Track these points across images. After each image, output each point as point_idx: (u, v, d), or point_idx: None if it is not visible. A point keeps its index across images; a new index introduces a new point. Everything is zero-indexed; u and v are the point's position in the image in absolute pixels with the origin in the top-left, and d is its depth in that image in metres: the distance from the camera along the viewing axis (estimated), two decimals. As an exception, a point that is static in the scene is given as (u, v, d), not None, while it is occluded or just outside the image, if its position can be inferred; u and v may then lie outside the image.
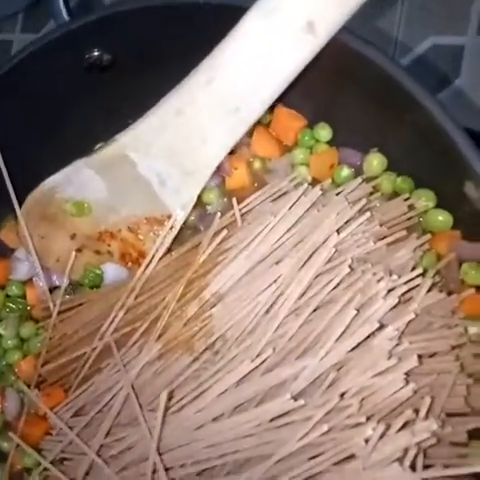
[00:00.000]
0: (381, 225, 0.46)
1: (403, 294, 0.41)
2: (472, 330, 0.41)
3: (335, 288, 0.42)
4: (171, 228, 0.51)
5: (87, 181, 0.51)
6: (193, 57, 0.46)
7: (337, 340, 0.39)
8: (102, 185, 0.51)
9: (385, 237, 0.45)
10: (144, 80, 0.51)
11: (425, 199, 0.47)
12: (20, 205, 0.53)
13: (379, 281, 0.40)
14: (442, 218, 0.46)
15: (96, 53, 0.50)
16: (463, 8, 0.63)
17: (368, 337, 0.39)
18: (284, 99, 0.48)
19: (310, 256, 0.44)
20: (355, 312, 0.39)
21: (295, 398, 0.39)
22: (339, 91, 0.49)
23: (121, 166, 0.50)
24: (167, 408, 0.44)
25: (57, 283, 0.55)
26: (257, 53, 0.43)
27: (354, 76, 0.46)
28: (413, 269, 0.42)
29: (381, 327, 0.39)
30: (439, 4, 0.64)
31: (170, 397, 0.44)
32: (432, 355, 0.40)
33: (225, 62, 0.44)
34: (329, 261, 0.44)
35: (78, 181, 0.52)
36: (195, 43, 0.45)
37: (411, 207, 0.47)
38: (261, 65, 0.44)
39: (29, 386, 0.51)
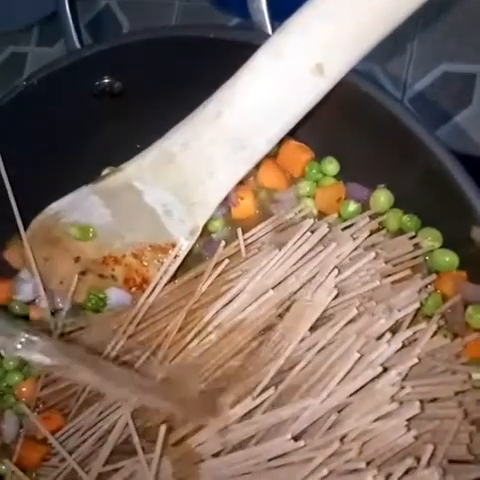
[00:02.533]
0: (386, 263, 0.46)
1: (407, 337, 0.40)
2: (476, 376, 0.40)
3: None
4: (175, 257, 0.51)
5: (92, 207, 0.51)
6: (202, 88, 0.45)
7: (339, 383, 0.39)
8: (107, 211, 0.51)
9: (390, 275, 0.45)
10: (154, 108, 0.51)
11: (431, 239, 0.46)
12: (25, 227, 0.53)
13: (383, 323, 0.40)
14: (448, 259, 0.45)
15: (106, 80, 0.50)
16: (476, 36, 0.63)
17: (371, 380, 0.39)
18: (292, 132, 0.48)
19: (314, 291, 0.44)
20: (358, 355, 0.38)
21: (295, 439, 0.39)
22: (347, 127, 0.49)
23: (126, 194, 0.50)
24: (166, 440, 0.43)
25: (60, 305, 0.55)
26: (265, 92, 0.43)
27: (360, 113, 0.46)
28: (418, 311, 0.42)
29: (384, 370, 0.39)
30: (451, 32, 0.64)
31: (170, 429, 0.44)
32: (434, 400, 0.40)
33: (233, 99, 0.44)
34: (335, 298, 0.44)
35: (83, 206, 0.52)
36: (205, 75, 0.45)
37: (417, 246, 0.47)
38: (269, 104, 0.44)
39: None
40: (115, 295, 0.54)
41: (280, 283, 0.45)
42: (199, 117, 0.46)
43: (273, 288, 0.45)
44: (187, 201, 0.49)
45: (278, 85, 0.43)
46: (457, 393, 0.40)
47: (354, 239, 0.46)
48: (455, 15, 0.64)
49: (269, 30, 0.44)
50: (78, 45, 0.48)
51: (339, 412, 0.39)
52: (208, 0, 0.70)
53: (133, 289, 0.54)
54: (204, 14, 0.71)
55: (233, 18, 0.69)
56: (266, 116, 0.44)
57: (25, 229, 0.53)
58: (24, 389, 0.53)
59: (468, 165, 0.42)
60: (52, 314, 0.54)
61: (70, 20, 0.47)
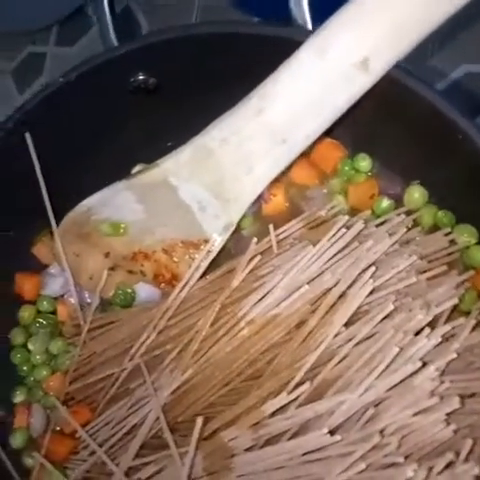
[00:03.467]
0: (421, 259, 0.45)
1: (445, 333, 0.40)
2: (514, 372, 0.40)
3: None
4: (208, 252, 0.51)
5: (125, 203, 0.52)
6: (237, 85, 0.46)
7: (378, 377, 0.38)
8: (140, 207, 0.52)
9: (425, 271, 0.45)
10: (188, 105, 0.51)
11: (467, 235, 0.46)
12: (56, 223, 0.53)
13: (421, 319, 0.40)
14: (484, 255, 0.46)
15: (141, 77, 0.50)
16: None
17: (409, 375, 0.38)
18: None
19: (350, 287, 0.44)
20: (397, 349, 0.38)
21: (332, 433, 0.39)
22: (380, 122, 0.49)
23: (161, 190, 0.50)
24: (200, 434, 0.43)
25: (89, 301, 0.55)
26: (307, 88, 0.43)
27: (396, 107, 0.46)
28: (454, 308, 0.42)
29: (423, 365, 0.39)
30: (471, 32, 0.64)
31: (205, 422, 0.44)
32: (472, 395, 0.40)
33: (276, 95, 0.44)
34: (371, 293, 0.44)
35: (115, 203, 0.52)
36: (239, 72, 0.46)
37: (452, 242, 0.47)
38: (310, 100, 0.44)
39: (56, 404, 0.51)
40: (144, 291, 0.54)
41: (315, 279, 0.45)
42: (240, 113, 0.46)
43: (308, 283, 0.45)
44: (222, 197, 0.49)
45: (321, 81, 0.43)
46: (495, 389, 0.40)
47: (390, 235, 0.46)
48: (475, 17, 0.63)
49: (309, 26, 0.44)
50: (115, 42, 0.49)
51: (376, 406, 0.39)
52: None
53: (162, 285, 0.54)
54: (223, 14, 0.70)
55: (252, 18, 0.69)
56: (306, 112, 0.44)
57: (56, 225, 0.53)
58: (52, 383, 0.53)
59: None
60: (81, 309, 0.54)
61: (108, 17, 0.48)
